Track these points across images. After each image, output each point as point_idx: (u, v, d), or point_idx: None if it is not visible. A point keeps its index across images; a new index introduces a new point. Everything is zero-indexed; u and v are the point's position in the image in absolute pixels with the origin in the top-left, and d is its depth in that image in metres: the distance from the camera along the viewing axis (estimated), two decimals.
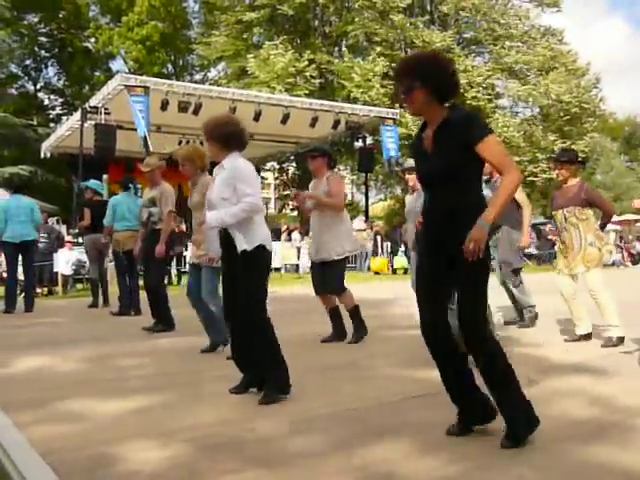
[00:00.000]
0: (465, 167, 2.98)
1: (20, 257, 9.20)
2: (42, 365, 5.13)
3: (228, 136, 4.03)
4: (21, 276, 9.55)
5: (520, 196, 6.32)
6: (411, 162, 6.35)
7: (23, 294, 9.46)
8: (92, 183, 10.02)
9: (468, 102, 25.52)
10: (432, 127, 3.06)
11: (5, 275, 9.89)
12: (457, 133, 2.96)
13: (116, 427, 3.44)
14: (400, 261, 18.92)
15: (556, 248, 6.09)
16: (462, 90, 25.48)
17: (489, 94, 26.62)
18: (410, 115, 3.40)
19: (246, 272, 3.87)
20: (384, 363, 4.99)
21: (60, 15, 33.27)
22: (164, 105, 14.34)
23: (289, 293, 12.22)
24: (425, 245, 3.19)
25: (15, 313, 8.92)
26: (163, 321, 6.92)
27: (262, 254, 3.93)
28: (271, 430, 3.28)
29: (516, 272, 6.78)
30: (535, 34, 28.68)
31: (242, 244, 3.88)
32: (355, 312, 6.04)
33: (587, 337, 5.72)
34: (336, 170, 6.84)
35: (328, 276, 5.88)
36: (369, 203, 24.67)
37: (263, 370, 3.91)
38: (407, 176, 5.76)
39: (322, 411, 3.09)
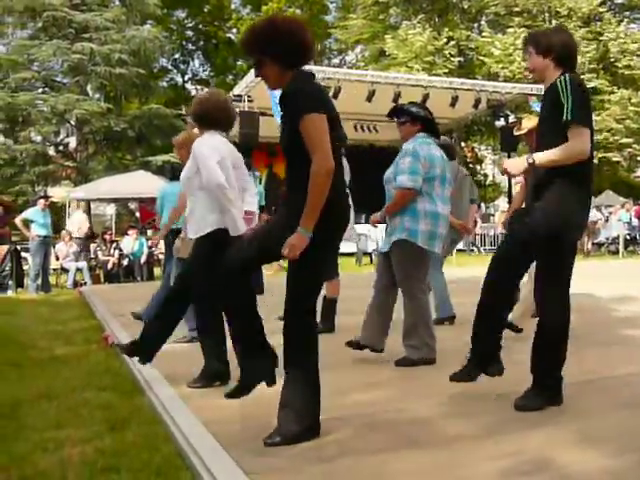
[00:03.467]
0: (299, 143, 2.74)
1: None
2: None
3: (200, 115, 4.03)
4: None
5: None
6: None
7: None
8: None
9: (620, 71, 23.84)
10: None
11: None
12: (289, 106, 2.80)
13: (273, 401, 3.57)
14: None
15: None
16: (614, 59, 23.86)
17: None
18: (270, 90, 3.15)
19: None
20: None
21: (205, 9, 34.85)
22: None
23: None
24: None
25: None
26: None
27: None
28: (424, 412, 3.28)
29: None
30: None
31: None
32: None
33: None
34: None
35: None
36: (512, 183, 23.76)
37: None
38: None
39: (470, 394, 3.05)
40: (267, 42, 2.85)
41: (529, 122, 6.49)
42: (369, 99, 15.10)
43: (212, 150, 3.90)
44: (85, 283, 12.80)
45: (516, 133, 6.49)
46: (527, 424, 3.03)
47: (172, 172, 10.81)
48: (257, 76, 3.02)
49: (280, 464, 2.68)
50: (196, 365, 4.14)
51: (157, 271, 13.95)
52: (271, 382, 3.04)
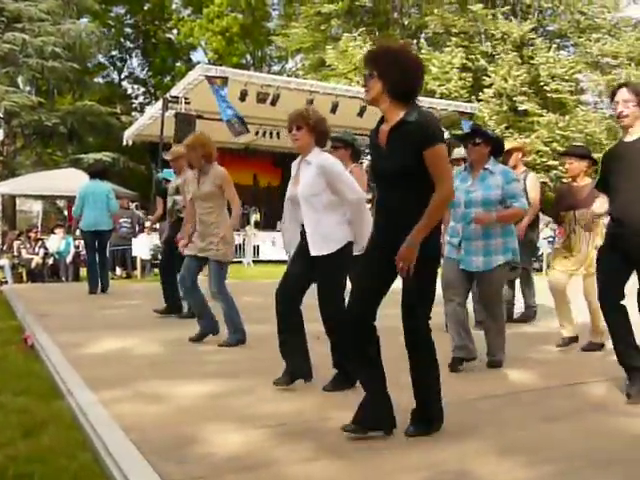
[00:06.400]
0: (417, 169, 2.97)
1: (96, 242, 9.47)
2: (123, 346, 5.31)
3: (324, 133, 4.03)
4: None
5: (532, 195, 6.31)
6: (458, 152, 6.38)
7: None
8: (166, 173, 10.23)
9: (549, 95, 24.75)
10: (388, 124, 3.09)
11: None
12: (412, 135, 2.97)
13: (194, 409, 3.54)
14: None
15: (553, 247, 5.80)
16: (543, 82, 24.75)
17: (571, 87, 25.69)
18: (367, 104, 3.33)
19: None
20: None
21: (145, 7, 34.26)
22: (243, 96, 14.54)
23: None
24: (373, 241, 3.23)
25: (86, 294, 9.21)
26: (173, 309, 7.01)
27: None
28: (347, 422, 3.29)
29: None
30: (625, 26, 27.46)
31: None
32: None
33: (574, 340, 5.41)
34: (361, 162, 6.62)
35: None
36: None
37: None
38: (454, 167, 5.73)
39: (399, 407, 3.09)
40: (386, 64, 3.05)
41: (509, 143, 6.98)
42: None
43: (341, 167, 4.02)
44: (6, 282, 12.32)
45: None
46: (449, 436, 3.09)
47: (100, 170, 10.59)
48: (364, 85, 3.18)
49: (200, 472, 2.65)
50: (119, 370, 4.05)
51: (83, 271, 13.56)
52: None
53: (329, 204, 3.89)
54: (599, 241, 5.05)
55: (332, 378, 3.98)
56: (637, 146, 3.77)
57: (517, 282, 6.83)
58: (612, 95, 3.91)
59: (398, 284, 3.09)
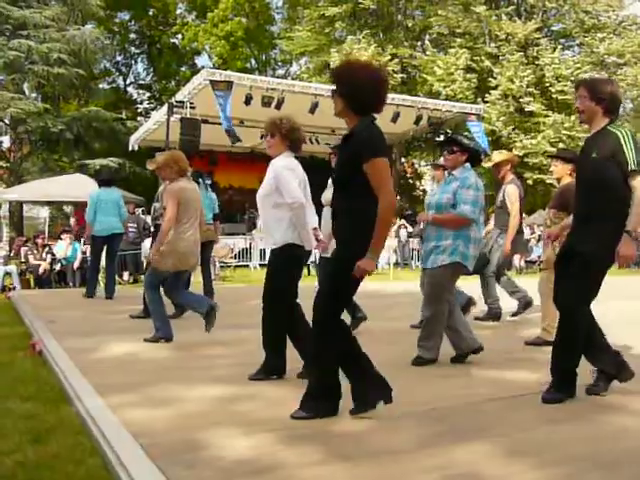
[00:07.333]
0: (353, 177, 3.22)
1: (105, 247, 9.54)
2: (130, 351, 5.33)
3: (297, 140, 4.38)
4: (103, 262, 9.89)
5: (512, 206, 6.73)
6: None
7: (104, 282, 9.82)
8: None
9: (554, 96, 24.68)
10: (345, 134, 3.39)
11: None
12: (354, 147, 3.24)
13: (202, 414, 3.54)
14: None
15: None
16: (548, 83, 24.69)
17: None
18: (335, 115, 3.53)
19: None
20: (466, 362, 4.92)
21: (149, 13, 34.36)
22: (247, 100, 14.55)
23: None
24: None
25: (95, 299, 9.26)
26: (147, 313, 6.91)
27: None
28: (355, 426, 3.29)
29: (499, 272, 7.12)
30: (630, 24, 27.34)
31: None
32: None
33: None
34: None
35: None
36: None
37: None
38: (434, 171, 6.06)
39: (405, 409, 3.09)
40: (343, 82, 3.37)
41: (499, 156, 7.15)
42: (312, 111, 15.17)
43: (291, 172, 4.26)
44: (14, 288, 12.36)
45: (485, 165, 7.11)
46: (456, 438, 3.08)
47: (107, 178, 10.65)
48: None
49: (210, 476, 2.64)
50: (127, 375, 4.05)
51: None
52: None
53: (276, 205, 4.23)
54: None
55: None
56: (589, 143, 3.79)
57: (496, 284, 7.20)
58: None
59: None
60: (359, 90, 3.24)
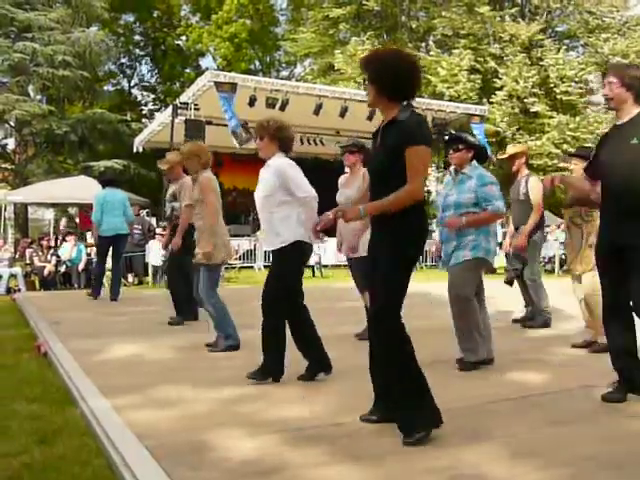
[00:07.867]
0: (399, 168, 3.05)
1: (111, 248, 9.55)
2: (135, 353, 5.33)
3: (287, 139, 4.38)
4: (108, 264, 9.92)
5: (533, 198, 6.42)
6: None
7: (110, 283, 9.84)
8: None
9: (559, 97, 24.63)
10: (383, 123, 3.22)
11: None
12: (398, 133, 3.08)
13: (207, 415, 3.54)
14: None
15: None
16: (553, 84, 24.64)
17: (581, 89, 25.54)
18: (368, 106, 3.52)
19: None
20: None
21: (154, 15, 34.43)
22: (252, 101, 14.57)
23: None
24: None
25: (100, 301, 9.28)
26: (182, 313, 6.98)
27: None
28: (360, 426, 3.28)
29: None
30: (634, 24, 27.26)
31: None
32: None
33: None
34: None
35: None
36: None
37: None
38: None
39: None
40: (374, 70, 3.20)
41: (513, 148, 7.09)
42: (316, 112, 15.18)
43: (294, 167, 4.28)
44: (19, 290, 12.38)
45: (499, 157, 6.96)
46: (462, 439, 3.07)
47: (108, 178, 10.67)
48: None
49: (215, 477, 2.65)
50: (132, 377, 4.05)
51: None
52: None
53: (281, 204, 4.22)
54: (592, 239, 4.99)
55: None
56: (626, 128, 3.68)
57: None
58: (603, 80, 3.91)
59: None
60: (389, 73, 3.11)
